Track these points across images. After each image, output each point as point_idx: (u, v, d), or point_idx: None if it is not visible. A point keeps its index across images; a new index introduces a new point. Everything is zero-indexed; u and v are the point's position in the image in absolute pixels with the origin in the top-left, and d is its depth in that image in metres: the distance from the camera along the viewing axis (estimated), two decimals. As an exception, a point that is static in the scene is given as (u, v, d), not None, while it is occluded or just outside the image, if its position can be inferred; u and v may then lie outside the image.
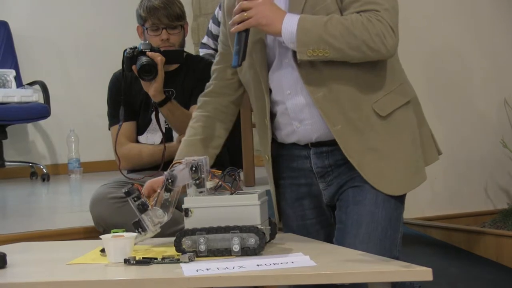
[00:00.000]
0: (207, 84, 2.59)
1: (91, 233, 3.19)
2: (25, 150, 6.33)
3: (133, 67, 3.14)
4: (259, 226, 2.11)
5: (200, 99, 2.58)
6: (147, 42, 3.22)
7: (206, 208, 2.15)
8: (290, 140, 2.46)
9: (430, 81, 4.49)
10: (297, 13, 2.30)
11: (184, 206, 2.16)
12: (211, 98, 2.55)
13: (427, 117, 2.54)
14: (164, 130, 3.19)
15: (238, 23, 2.29)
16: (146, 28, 3.29)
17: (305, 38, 2.25)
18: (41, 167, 5.91)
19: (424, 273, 1.86)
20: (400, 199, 2.39)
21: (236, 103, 2.57)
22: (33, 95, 5.90)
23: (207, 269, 1.94)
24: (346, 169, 2.39)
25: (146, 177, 3.00)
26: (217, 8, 4.42)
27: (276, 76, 2.41)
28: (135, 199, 2.21)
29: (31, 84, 6.06)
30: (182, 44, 3.34)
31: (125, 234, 2.16)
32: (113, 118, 3.32)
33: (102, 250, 2.18)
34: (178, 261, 2.04)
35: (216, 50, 4.31)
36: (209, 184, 2.19)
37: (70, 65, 6.54)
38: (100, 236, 2.15)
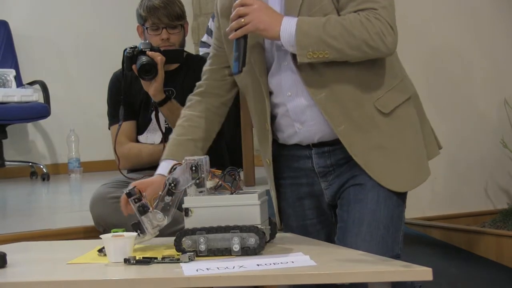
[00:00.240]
0: (198, 84, 2.56)
1: (91, 233, 3.19)
2: (25, 150, 6.33)
3: (133, 66, 3.14)
4: (259, 226, 2.11)
5: (192, 98, 2.55)
6: (147, 41, 3.22)
7: (206, 207, 2.15)
8: (291, 141, 2.46)
9: (430, 81, 4.49)
10: (293, 15, 2.30)
11: (184, 206, 2.16)
12: (203, 98, 2.52)
13: (428, 116, 2.54)
14: (164, 130, 3.19)
15: (236, 30, 2.28)
16: (146, 28, 3.29)
17: (304, 40, 2.25)
18: (41, 166, 5.91)
19: (424, 273, 1.86)
20: (402, 197, 2.39)
21: (227, 105, 2.56)
22: (33, 95, 5.90)
23: (207, 269, 1.94)
24: (348, 167, 2.39)
25: (145, 177, 2.99)
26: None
27: (276, 79, 2.40)
28: (136, 200, 2.21)
29: (31, 83, 6.06)
30: (182, 43, 3.34)
31: (125, 233, 2.16)
32: (113, 118, 3.32)
33: (100, 250, 2.18)
34: (178, 260, 2.04)
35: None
36: (209, 184, 2.19)
37: (70, 65, 6.54)
38: (100, 236, 2.14)
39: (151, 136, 3.31)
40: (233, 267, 1.94)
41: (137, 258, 2.06)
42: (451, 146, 4.45)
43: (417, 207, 4.30)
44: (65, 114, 6.35)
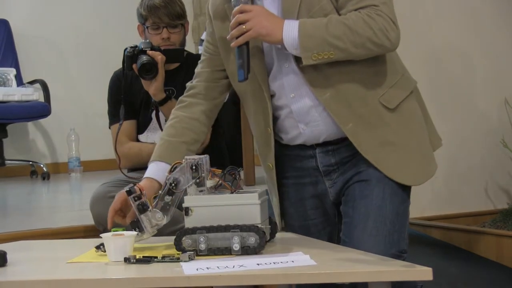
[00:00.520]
0: (190, 85, 2.53)
1: (91, 232, 3.19)
2: (25, 149, 6.33)
3: (134, 66, 3.15)
4: (259, 225, 2.11)
5: (184, 99, 2.51)
6: (148, 41, 3.22)
7: (206, 207, 2.15)
8: (296, 142, 2.45)
9: (431, 81, 4.49)
10: (292, 18, 2.29)
11: (184, 205, 2.16)
12: (199, 100, 2.49)
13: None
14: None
15: (237, 37, 2.27)
16: (147, 27, 3.30)
17: (308, 43, 2.24)
18: (41, 165, 5.91)
19: (424, 272, 1.86)
20: (407, 192, 2.39)
21: (218, 107, 2.53)
22: (34, 94, 5.90)
23: (207, 268, 1.94)
24: (351, 164, 2.39)
25: (146, 176, 3.00)
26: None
27: (278, 82, 2.39)
28: (136, 198, 2.21)
29: (31, 82, 6.06)
30: (183, 43, 3.34)
31: (125, 232, 2.16)
32: (114, 117, 3.33)
33: (98, 247, 2.18)
34: (178, 260, 2.04)
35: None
36: (209, 183, 2.19)
37: (70, 64, 6.54)
38: (101, 235, 2.15)
39: (152, 136, 3.32)
40: (233, 266, 1.94)
41: (137, 257, 2.06)
42: (452, 146, 4.45)
43: (417, 207, 4.30)
44: (66, 113, 6.35)
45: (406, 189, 2.39)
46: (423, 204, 4.45)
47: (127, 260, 2.05)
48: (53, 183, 5.69)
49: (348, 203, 2.39)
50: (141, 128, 3.34)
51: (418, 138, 2.40)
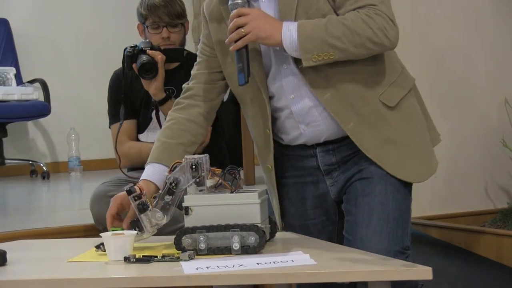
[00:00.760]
0: (186, 87, 2.53)
1: (91, 231, 3.19)
2: (25, 148, 6.33)
3: (134, 65, 3.15)
4: (259, 225, 2.11)
5: (181, 101, 2.50)
6: (148, 40, 3.22)
7: (206, 206, 2.15)
8: (297, 142, 2.45)
9: (432, 81, 4.49)
10: (289, 19, 2.29)
11: (184, 205, 2.16)
12: (196, 102, 2.49)
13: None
14: (164, 129, 3.19)
15: (236, 41, 2.27)
16: (147, 26, 3.30)
17: (308, 44, 2.24)
18: (41, 165, 5.90)
19: (424, 272, 1.86)
20: (409, 189, 2.40)
21: (215, 109, 2.53)
22: (33, 93, 5.90)
23: (207, 267, 1.94)
24: (352, 162, 2.39)
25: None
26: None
27: (277, 83, 2.39)
28: (136, 198, 2.22)
29: (31, 82, 6.06)
30: (183, 42, 3.34)
31: (125, 232, 2.16)
32: (114, 117, 3.33)
33: (98, 246, 2.18)
34: (178, 259, 2.04)
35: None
36: (209, 183, 2.19)
37: (70, 63, 6.54)
38: (100, 234, 2.15)
39: (152, 135, 3.32)
40: (233, 266, 1.94)
41: (137, 256, 2.06)
42: (452, 145, 4.45)
43: (417, 206, 4.29)
44: (65, 113, 6.35)
45: (408, 186, 2.39)
46: (423, 204, 4.45)
47: (127, 259, 2.05)
48: (53, 182, 5.69)
49: (350, 201, 2.39)
50: (141, 127, 3.34)
51: (419, 135, 2.41)
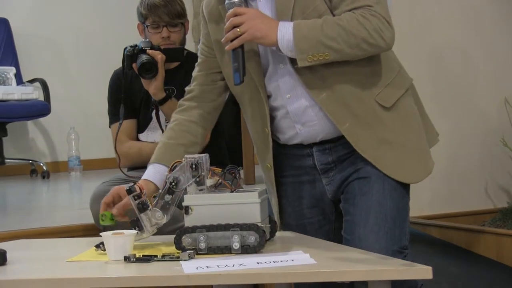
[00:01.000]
0: (188, 89, 2.55)
1: (91, 231, 3.18)
2: (25, 148, 6.33)
3: (134, 65, 3.14)
4: (259, 224, 2.11)
5: (183, 103, 2.52)
6: (148, 40, 3.22)
7: (206, 205, 2.15)
8: (293, 142, 2.45)
9: (431, 80, 4.50)
10: (286, 19, 2.30)
11: (184, 204, 2.16)
12: (196, 103, 2.50)
13: (428, 114, 2.54)
14: (164, 128, 3.19)
15: (232, 40, 2.28)
16: (147, 26, 3.29)
17: (303, 45, 2.25)
18: (41, 164, 5.90)
19: (424, 271, 1.86)
20: (406, 188, 2.40)
21: (218, 109, 2.54)
22: (33, 93, 5.89)
23: (207, 267, 1.94)
24: (349, 162, 2.39)
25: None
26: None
27: (273, 82, 2.40)
28: (136, 197, 2.22)
29: (31, 81, 6.06)
30: (183, 42, 3.34)
31: (125, 231, 2.16)
32: (114, 116, 3.32)
33: (97, 246, 2.18)
34: (178, 258, 2.04)
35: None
36: (209, 182, 2.19)
37: (70, 63, 6.54)
38: (100, 234, 2.15)
39: (152, 135, 3.31)
40: (233, 265, 1.94)
41: (137, 256, 2.06)
42: (452, 145, 4.46)
43: (417, 206, 4.31)
44: (65, 112, 6.35)
45: (406, 185, 2.39)
46: (423, 203, 4.45)
47: (127, 259, 2.05)
48: (53, 182, 5.69)
49: (348, 201, 2.39)
50: (141, 127, 3.34)
51: (415, 135, 2.41)
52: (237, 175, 2.23)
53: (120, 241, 2.09)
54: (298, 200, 2.50)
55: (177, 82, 3.29)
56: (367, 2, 2.27)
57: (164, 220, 2.21)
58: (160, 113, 3.21)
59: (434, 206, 4.52)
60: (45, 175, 5.76)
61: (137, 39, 3.28)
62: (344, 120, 2.34)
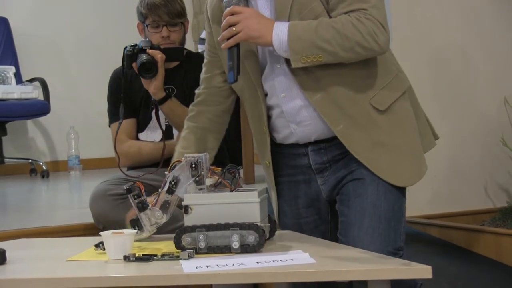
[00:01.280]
0: (197, 92, 2.57)
1: (90, 230, 3.19)
2: (24, 147, 6.33)
3: (133, 64, 3.14)
4: (258, 224, 2.11)
5: (192, 108, 2.55)
6: (147, 39, 3.21)
7: (206, 205, 2.15)
8: (288, 141, 2.46)
9: (431, 80, 4.50)
10: (284, 19, 2.30)
11: (184, 203, 2.16)
12: (204, 108, 2.53)
13: (428, 115, 2.54)
14: (164, 128, 3.19)
15: (228, 39, 2.28)
16: (147, 25, 3.29)
17: (297, 46, 2.25)
18: (41, 164, 5.90)
19: (423, 271, 1.86)
20: (401, 189, 2.40)
21: (228, 112, 2.56)
22: (33, 92, 5.89)
23: (206, 266, 1.94)
24: (343, 163, 2.40)
25: (145, 174, 3.00)
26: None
27: (269, 82, 2.41)
28: (136, 197, 2.22)
29: (31, 80, 6.06)
30: (183, 41, 3.34)
31: (125, 231, 2.16)
32: (113, 116, 3.32)
33: (97, 245, 2.18)
34: (177, 258, 2.04)
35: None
36: (208, 181, 2.19)
37: (70, 62, 6.54)
38: (100, 233, 2.15)
39: (151, 134, 3.31)
40: (233, 265, 1.94)
41: (136, 255, 2.06)
42: (451, 144, 4.46)
43: (417, 205, 4.31)
44: (65, 112, 6.35)
45: (401, 186, 2.39)
46: (423, 203, 4.45)
47: (126, 258, 2.05)
48: (52, 181, 5.69)
49: (343, 202, 2.40)
50: (141, 126, 3.34)
51: (409, 139, 2.40)
52: (237, 174, 2.23)
53: (119, 240, 2.09)
54: (294, 199, 2.51)
55: (177, 82, 3.29)
56: (363, 6, 2.27)
57: (163, 219, 2.21)
58: (160, 112, 3.20)
59: (434, 206, 4.52)
60: (45, 175, 5.76)
61: (137, 39, 3.27)
62: (338, 121, 2.34)
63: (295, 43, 2.25)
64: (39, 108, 5.83)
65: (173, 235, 2.13)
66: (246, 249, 2.08)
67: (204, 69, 2.57)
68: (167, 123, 3.26)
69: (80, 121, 6.32)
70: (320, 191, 2.47)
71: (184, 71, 3.31)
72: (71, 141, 6.15)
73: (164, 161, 2.89)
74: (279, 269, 1.92)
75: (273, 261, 1.96)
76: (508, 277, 3.75)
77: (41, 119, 6.23)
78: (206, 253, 2.09)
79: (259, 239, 2.08)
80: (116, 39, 5.80)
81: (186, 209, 2.15)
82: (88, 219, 3.20)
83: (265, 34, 2.27)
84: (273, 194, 2.52)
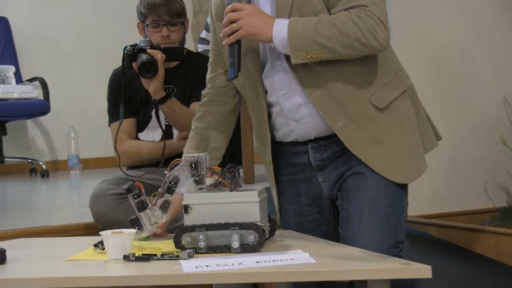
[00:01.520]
0: (203, 93, 2.58)
1: (90, 230, 3.19)
2: (24, 147, 6.33)
3: (133, 64, 3.14)
4: (258, 223, 2.11)
5: (199, 108, 2.57)
6: (147, 39, 3.21)
7: (206, 205, 2.15)
8: (288, 139, 2.47)
9: (431, 80, 4.50)
10: (284, 16, 2.31)
11: (183, 203, 2.16)
12: (211, 108, 2.54)
13: (429, 113, 2.54)
14: (164, 127, 3.19)
15: (229, 36, 2.30)
16: (147, 25, 3.29)
17: (297, 42, 2.26)
18: (41, 163, 5.90)
19: (423, 270, 1.86)
20: (402, 184, 2.39)
21: (234, 111, 2.57)
22: (33, 92, 5.89)
23: (206, 266, 1.94)
24: (343, 159, 2.40)
25: (145, 174, 3.00)
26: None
27: (270, 78, 2.42)
28: (135, 196, 2.22)
29: (30, 80, 6.06)
30: (182, 41, 3.34)
31: (124, 230, 2.16)
32: (113, 115, 3.32)
33: (96, 245, 2.18)
34: (177, 257, 2.04)
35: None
36: (208, 181, 2.19)
37: (69, 62, 6.54)
38: (100, 233, 2.15)
39: (151, 134, 3.31)
40: (232, 264, 1.94)
41: (136, 254, 2.06)
42: (451, 143, 4.46)
43: (416, 205, 4.31)
44: (65, 111, 6.35)
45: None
46: (422, 202, 4.45)
47: (126, 257, 2.05)
48: (52, 181, 5.69)
49: (343, 197, 2.40)
50: (141, 126, 3.34)
51: (408, 137, 2.40)
52: (237, 174, 2.23)
53: (119, 240, 2.09)
54: (296, 197, 2.51)
55: (176, 81, 3.29)
56: (363, 2, 2.27)
57: (163, 219, 2.21)
58: (160, 112, 3.20)
59: (434, 205, 4.52)
60: (45, 174, 5.76)
61: (137, 38, 3.27)
62: (337, 119, 2.35)
63: (295, 39, 2.26)
64: (39, 108, 5.83)
65: (173, 235, 2.13)
66: (246, 248, 2.08)
67: (209, 68, 2.58)
68: (167, 123, 3.26)
69: (80, 121, 6.32)
70: (321, 189, 2.47)
71: (184, 71, 3.31)
72: (71, 141, 6.15)
73: (164, 161, 2.89)
74: (279, 268, 1.92)
75: (273, 261, 1.96)
76: (508, 277, 3.75)
77: (41, 118, 6.23)
78: (206, 252, 2.09)
79: (259, 239, 2.08)
80: (116, 38, 5.80)
81: (186, 208, 2.15)
82: (88, 218, 3.20)
83: (265, 31, 2.28)
84: (274, 191, 2.53)
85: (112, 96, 3.35)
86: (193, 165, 2.18)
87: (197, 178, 2.18)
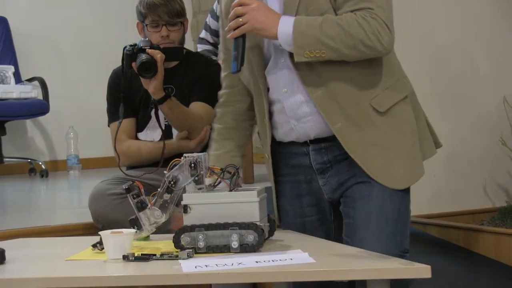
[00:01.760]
0: (220, 93, 2.61)
1: (90, 230, 3.19)
2: (24, 147, 6.32)
3: (133, 64, 3.14)
4: (258, 223, 2.10)
5: (218, 110, 2.60)
6: (147, 39, 3.21)
7: (205, 204, 2.15)
8: (288, 138, 2.47)
9: (432, 81, 4.50)
10: (291, 14, 2.32)
11: (183, 203, 2.16)
12: (227, 108, 2.57)
13: (428, 114, 2.54)
14: (163, 127, 3.19)
15: (234, 29, 2.31)
16: (146, 25, 3.29)
17: (301, 40, 2.26)
18: (40, 163, 5.90)
19: (423, 270, 1.86)
20: (406, 191, 2.40)
21: (251, 108, 2.58)
22: (32, 91, 5.89)
23: (205, 266, 1.94)
24: (346, 165, 2.40)
25: (145, 174, 3.00)
26: (216, 2, 4.40)
27: (272, 76, 2.42)
28: (135, 196, 2.21)
29: (30, 80, 6.05)
30: (182, 41, 3.34)
31: (124, 230, 2.15)
32: (113, 115, 3.32)
33: (94, 245, 2.18)
34: (177, 257, 2.04)
35: (213, 45, 4.31)
36: (208, 181, 2.19)
37: (69, 61, 6.53)
38: (99, 232, 2.15)
39: (151, 134, 3.31)
40: (232, 264, 1.94)
41: (135, 254, 2.06)
42: (450, 144, 4.46)
43: (416, 205, 4.27)
44: (64, 111, 6.34)
45: (406, 188, 2.39)
46: (422, 202, 4.45)
47: (125, 257, 2.05)
48: (51, 180, 5.69)
49: (348, 204, 2.40)
50: (141, 126, 3.34)
51: (407, 142, 2.40)
52: (236, 174, 2.23)
53: (119, 240, 2.09)
54: (297, 198, 2.51)
55: (176, 81, 3.29)
56: (369, 5, 2.28)
57: (163, 219, 2.21)
58: (160, 112, 3.20)
59: (433, 205, 4.53)
60: (44, 174, 5.76)
61: (137, 38, 3.27)
62: (336, 119, 2.35)
63: (299, 37, 2.26)
64: (38, 108, 5.82)
65: (172, 235, 2.13)
66: (245, 248, 2.08)
67: (222, 66, 2.61)
68: (166, 123, 3.25)
69: (80, 121, 6.32)
70: (322, 192, 2.47)
71: (183, 71, 3.31)
72: (70, 141, 6.14)
73: (163, 161, 2.89)
74: (279, 268, 1.91)
75: (273, 261, 1.96)
76: (507, 276, 3.75)
77: (40, 118, 6.22)
78: (205, 252, 2.09)
79: (258, 239, 2.08)
80: (116, 38, 5.78)
81: (186, 208, 2.15)
82: (87, 218, 3.20)
83: (270, 27, 2.29)
84: (272, 187, 2.53)
85: (111, 96, 3.35)
86: (193, 165, 2.18)
87: (196, 178, 2.18)
